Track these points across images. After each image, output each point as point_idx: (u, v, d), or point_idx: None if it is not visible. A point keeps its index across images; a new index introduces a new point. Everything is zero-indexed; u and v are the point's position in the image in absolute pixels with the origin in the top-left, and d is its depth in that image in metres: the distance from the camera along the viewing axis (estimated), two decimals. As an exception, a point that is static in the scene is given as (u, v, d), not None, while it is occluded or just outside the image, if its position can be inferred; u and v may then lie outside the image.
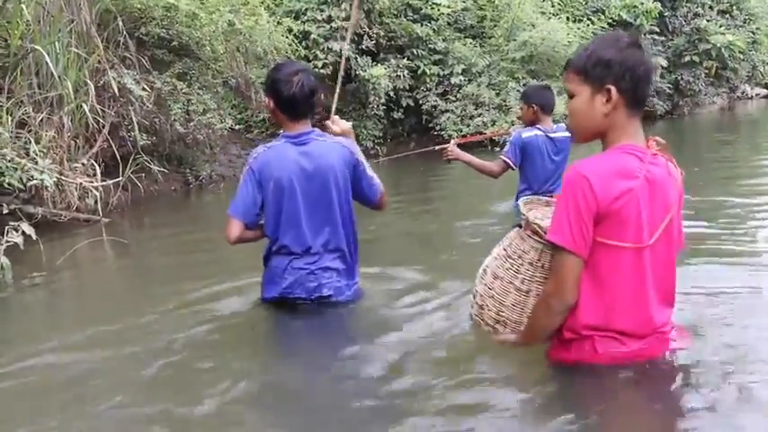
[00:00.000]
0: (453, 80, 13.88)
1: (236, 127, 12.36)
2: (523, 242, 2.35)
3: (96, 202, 7.44)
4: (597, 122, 2.17)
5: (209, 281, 4.50)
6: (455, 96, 13.85)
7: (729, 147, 13.43)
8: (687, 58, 20.30)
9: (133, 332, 3.61)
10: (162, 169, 8.79)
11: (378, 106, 13.46)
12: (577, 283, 2.11)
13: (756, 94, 33.19)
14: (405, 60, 13.68)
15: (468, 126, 13.24)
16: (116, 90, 8.03)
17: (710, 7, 21.26)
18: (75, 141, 7.79)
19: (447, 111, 13.67)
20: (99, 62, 8.22)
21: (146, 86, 8.43)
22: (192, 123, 9.06)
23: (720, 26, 20.46)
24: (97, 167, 7.57)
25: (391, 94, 13.61)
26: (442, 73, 14.13)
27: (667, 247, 2.19)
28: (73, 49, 7.43)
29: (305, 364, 3.06)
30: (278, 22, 10.42)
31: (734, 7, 21.74)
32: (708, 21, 20.29)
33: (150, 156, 8.96)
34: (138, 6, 8.84)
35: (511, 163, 5.26)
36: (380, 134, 14.20)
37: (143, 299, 4.51)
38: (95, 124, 8.02)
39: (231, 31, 9.23)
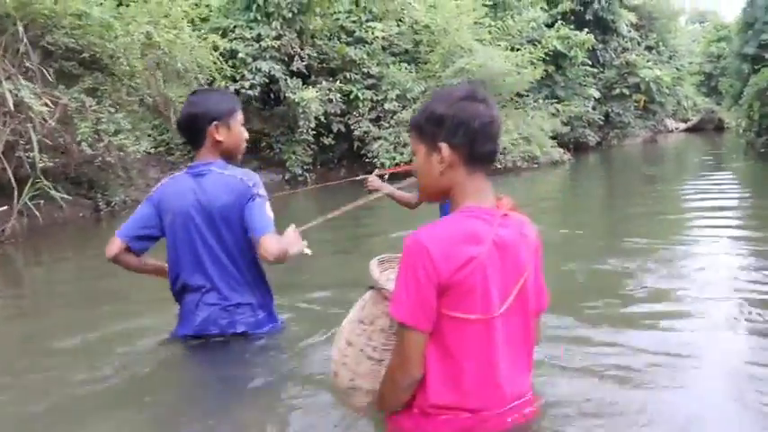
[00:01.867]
0: (387, 106, 13.35)
1: (156, 149, 11.45)
2: (375, 306, 2.17)
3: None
4: (436, 181, 2.01)
5: (108, 323, 3.81)
6: (388, 123, 13.32)
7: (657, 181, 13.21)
8: (617, 91, 20.53)
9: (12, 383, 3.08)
10: (65, 195, 7.83)
11: (307, 131, 12.79)
12: (422, 357, 1.97)
13: (676, 128, 34.37)
14: (337, 83, 13.06)
15: (402, 154, 12.70)
16: (11, 104, 7.06)
17: (638, 43, 21.62)
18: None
19: (380, 138, 13.11)
20: (-7, 72, 7.27)
21: (48, 102, 7.48)
22: (101, 144, 8.12)
23: (648, 61, 20.80)
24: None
25: (322, 118, 12.96)
26: (375, 98, 13.60)
27: (522, 313, 2.03)
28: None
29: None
30: (203, 38, 9.62)
31: (660, 44, 22.19)
32: (636, 55, 20.59)
33: (55, 179, 7.99)
34: (45, 12, 7.91)
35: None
36: (310, 160, 13.52)
37: (30, 341, 3.69)
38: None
39: (149, 45, 8.38)
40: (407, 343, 1.96)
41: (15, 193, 7.38)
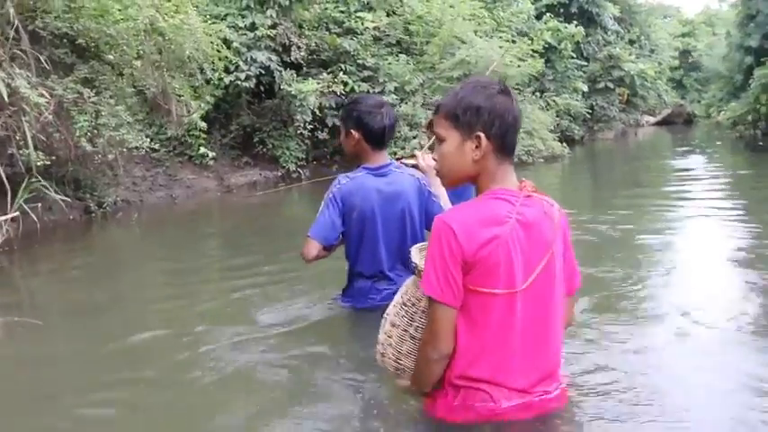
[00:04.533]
0: (385, 99, 12.70)
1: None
2: (417, 289, 2.31)
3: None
4: (467, 168, 2.15)
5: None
6: (387, 116, 12.70)
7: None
8: (602, 84, 20.31)
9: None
10: (64, 197, 7.04)
11: (304, 125, 12.09)
12: (451, 331, 2.09)
13: (647, 122, 34.54)
14: (340, 75, 12.41)
15: (404, 149, 12.08)
16: (5, 95, 6.27)
17: (621, 36, 21.44)
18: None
19: (380, 132, 12.48)
20: (-19, 59, 6.46)
21: (45, 93, 6.70)
22: (101, 141, 7.35)
23: (630, 54, 20.63)
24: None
25: (317, 112, 12.28)
26: (372, 91, 12.95)
27: (549, 290, 2.13)
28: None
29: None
30: (212, 22, 8.86)
31: (641, 37, 22.05)
32: (620, 49, 20.39)
33: (45, 179, 7.20)
34: (33, -7, 7.13)
35: None
36: (303, 156, 12.83)
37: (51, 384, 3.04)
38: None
39: (151, 30, 7.62)
40: (437, 317, 2.08)
41: (9, 195, 6.59)
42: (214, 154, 11.57)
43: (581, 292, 2.68)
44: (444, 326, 2.07)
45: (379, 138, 3.30)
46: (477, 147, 2.08)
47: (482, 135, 2.06)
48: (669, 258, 5.19)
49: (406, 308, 2.36)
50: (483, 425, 2.11)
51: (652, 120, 35.47)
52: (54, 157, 7.17)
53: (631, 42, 21.75)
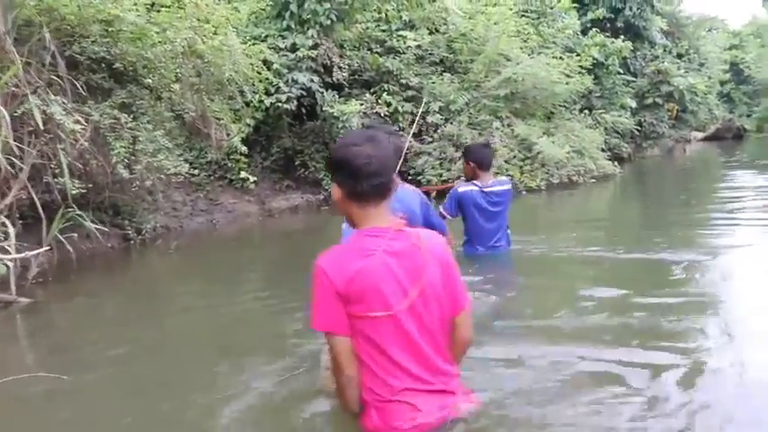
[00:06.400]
0: (430, 119, 12.34)
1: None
2: None
3: (9, 273, 5.41)
4: (342, 211, 2.37)
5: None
6: (432, 137, 12.29)
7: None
8: (650, 100, 19.65)
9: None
10: (99, 226, 6.78)
11: (346, 147, 11.73)
12: (350, 356, 2.28)
13: (694, 137, 33.53)
14: (384, 96, 12.10)
15: (450, 170, 11.70)
16: (40, 122, 6.04)
17: (669, 51, 20.76)
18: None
19: (423, 153, 12.07)
20: (17, 85, 6.24)
21: (80, 119, 6.46)
22: (138, 167, 7.09)
23: (679, 69, 19.95)
24: (10, 227, 5.54)
25: (359, 133, 11.94)
26: (415, 111, 12.58)
27: (430, 310, 2.31)
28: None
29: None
30: (252, 43, 8.60)
31: (690, 51, 21.34)
32: (668, 63, 19.72)
33: (81, 207, 6.96)
34: (71, 18, 6.92)
35: (446, 213, 5.54)
36: (346, 178, 12.48)
37: None
38: (9, 167, 6.03)
39: (190, 53, 7.36)
40: (333, 347, 2.29)
41: (44, 224, 6.34)
42: (255, 178, 11.32)
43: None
44: (341, 353, 2.28)
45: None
46: (335, 194, 2.35)
47: (334, 184, 2.31)
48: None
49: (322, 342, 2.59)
50: None
51: (700, 135, 34.45)
52: (90, 185, 6.93)
53: (679, 56, 21.05)
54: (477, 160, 5.55)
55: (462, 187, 5.61)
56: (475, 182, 5.57)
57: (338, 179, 2.29)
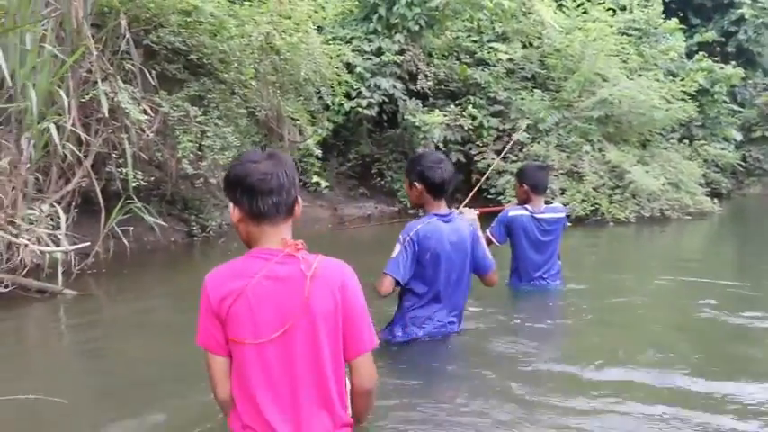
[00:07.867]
0: (515, 136, 11.70)
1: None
2: None
3: (57, 263, 5.21)
4: (240, 234, 2.24)
5: None
6: (516, 156, 11.66)
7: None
8: (758, 134, 18.31)
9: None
10: (158, 220, 6.55)
11: (426, 159, 11.27)
12: (223, 378, 2.19)
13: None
14: (469, 108, 11.58)
15: (532, 191, 11.00)
16: (106, 109, 5.85)
17: (784, 80, 19.34)
18: (44, 175, 5.65)
19: (505, 171, 11.44)
20: (89, 71, 6.09)
21: (148, 108, 6.25)
22: (204, 163, 6.84)
23: (795, 101, 18.51)
24: (62, 216, 5.33)
25: (440, 145, 11.46)
26: (501, 127, 12.02)
27: (311, 345, 2.15)
28: (47, 46, 5.25)
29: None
30: (336, 44, 8.27)
31: (809, 82, 19.79)
32: (782, 94, 18.34)
33: (144, 198, 6.77)
34: (151, 7, 6.75)
35: (493, 239, 5.19)
36: (422, 192, 12.01)
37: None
38: (74, 153, 5.86)
39: (267, 49, 7.08)
40: (208, 364, 2.20)
41: (102, 214, 6.15)
42: (329, 183, 11.03)
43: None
44: (215, 372, 2.18)
45: (439, 189, 3.69)
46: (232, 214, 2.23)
47: (231, 204, 2.19)
48: None
49: None
50: None
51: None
52: (152, 177, 6.73)
53: (796, 88, 19.50)
54: (532, 183, 5.19)
55: (513, 211, 5.26)
56: (527, 206, 5.22)
57: (234, 197, 2.15)
